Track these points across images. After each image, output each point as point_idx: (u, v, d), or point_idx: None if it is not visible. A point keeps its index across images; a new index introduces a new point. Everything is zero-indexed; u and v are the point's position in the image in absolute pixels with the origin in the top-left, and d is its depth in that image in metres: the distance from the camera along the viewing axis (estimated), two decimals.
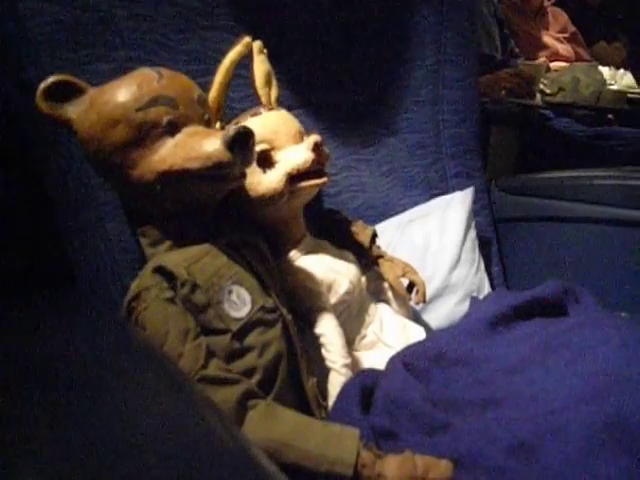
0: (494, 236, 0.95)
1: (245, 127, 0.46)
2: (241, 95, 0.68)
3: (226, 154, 0.45)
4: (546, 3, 1.87)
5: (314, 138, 0.55)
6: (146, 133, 0.47)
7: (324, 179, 0.57)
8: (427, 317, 0.77)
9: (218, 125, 0.57)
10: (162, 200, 0.49)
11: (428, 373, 0.54)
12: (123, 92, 0.46)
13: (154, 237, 0.51)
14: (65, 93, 0.47)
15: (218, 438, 0.30)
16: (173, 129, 0.48)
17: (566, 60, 1.86)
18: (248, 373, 0.48)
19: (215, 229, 0.53)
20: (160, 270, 0.46)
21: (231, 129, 0.46)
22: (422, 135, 0.87)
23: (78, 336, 0.41)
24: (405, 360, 0.54)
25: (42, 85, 0.46)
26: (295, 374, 0.53)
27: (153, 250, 0.51)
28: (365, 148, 0.82)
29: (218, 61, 0.67)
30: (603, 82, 1.56)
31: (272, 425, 0.44)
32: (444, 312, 0.78)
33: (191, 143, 0.47)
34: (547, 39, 1.85)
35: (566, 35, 1.90)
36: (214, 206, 0.53)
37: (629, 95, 1.55)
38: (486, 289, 0.85)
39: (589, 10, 2.01)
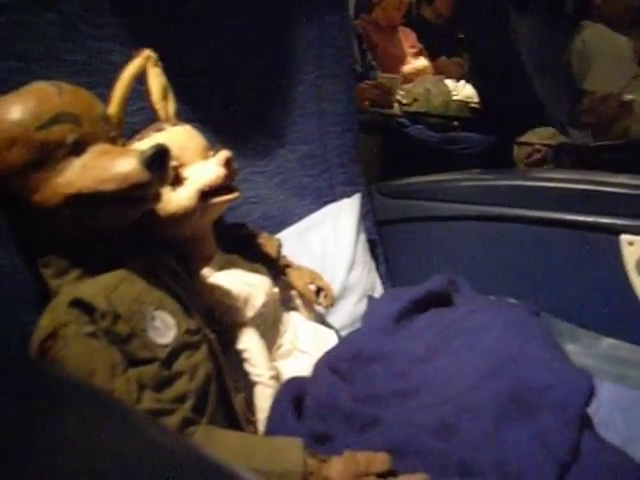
0: (378, 238, 1.02)
1: (162, 145, 0.45)
2: (133, 108, 0.65)
3: (144, 174, 0.43)
4: (399, 21, 2.06)
5: (225, 153, 0.55)
6: (48, 154, 0.43)
7: (236, 194, 0.57)
8: (331, 319, 0.81)
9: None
10: (69, 226, 0.45)
11: (350, 373, 0.57)
12: (19, 109, 0.42)
13: (60, 267, 0.46)
14: None
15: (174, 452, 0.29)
16: (78, 149, 0.44)
17: (416, 73, 2.06)
18: (180, 399, 0.46)
19: (125, 252, 0.50)
20: (77, 303, 0.43)
21: (148, 147, 0.44)
22: (310, 146, 0.91)
23: None
24: (329, 364, 0.57)
25: None
26: (223, 393, 0.52)
27: (59, 281, 0.46)
28: (259, 160, 0.83)
29: (105, 73, 0.64)
30: (449, 93, 1.76)
31: (215, 449, 0.43)
32: (345, 312, 0.82)
33: (102, 163, 0.44)
34: (400, 54, 2.03)
35: (415, 51, 2.11)
36: (123, 228, 0.50)
37: (471, 105, 1.77)
38: (378, 288, 0.92)
39: (432, 30, 2.25)
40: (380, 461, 0.45)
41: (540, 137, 1.45)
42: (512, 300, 0.91)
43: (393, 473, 0.46)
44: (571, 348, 0.87)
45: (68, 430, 0.29)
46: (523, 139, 1.49)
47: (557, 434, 0.49)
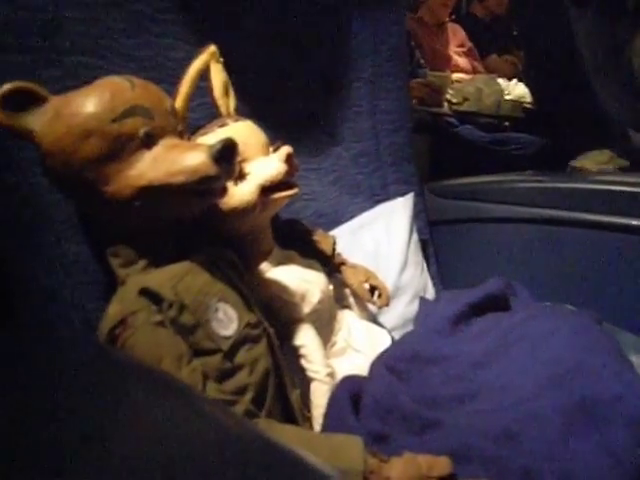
0: (430, 238, 1.01)
1: (230, 139, 0.45)
2: (194, 104, 0.66)
3: (213, 168, 0.44)
4: (446, 19, 2.02)
5: (286, 149, 0.55)
6: (121, 146, 0.44)
7: (296, 190, 0.57)
8: (382, 319, 0.80)
9: None
10: (138, 217, 0.46)
11: (407, 374, 0.56)
12: (95, 102, 0.43)
13: (128, 257, 0.47)
14: (22, 102, 0.43)
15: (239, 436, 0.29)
16: (149, 141, 0.45)
17: (465, 72, 2.02)
18: (240, 392, 0.46)
19: (189, 245, 0.51)
20: (145, 292, 0.44)
21: (217, 141, 0.44)
22: (363, 144, 0.90)
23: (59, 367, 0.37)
24: (386, 364, 0.56)
25: None
26: (280, 387, 0.52)
27: (127, 271, 0.47)
28: (313, 157, 0.83)
29: (168, 69, 0.65)
30: (502, 92, 1.71)
31: None
32: (397, 313, 0.81)
33: (172, 156, 0.44)
34: (448, 52, 1.99)
35: (464, 49, 2.06)
36: (188, 221, 0.51)
37: (524, 104, 1.72)
38: (430, 289, 0.90)
39: (482, 27, 2.20)
40: (442, 465, 0.44)
41: (596, 162, 1.33)
42: (570, 307, 0.88)
43: (454, 477, 0.45)
44: (634, 360, 0.83)
45: (142, 415, 0.30)
46: (577, 164, 1.38)
47: (628, 448, 0.47)
